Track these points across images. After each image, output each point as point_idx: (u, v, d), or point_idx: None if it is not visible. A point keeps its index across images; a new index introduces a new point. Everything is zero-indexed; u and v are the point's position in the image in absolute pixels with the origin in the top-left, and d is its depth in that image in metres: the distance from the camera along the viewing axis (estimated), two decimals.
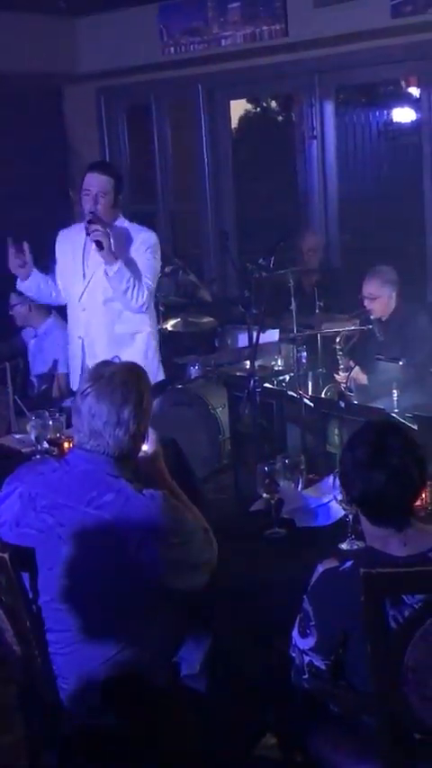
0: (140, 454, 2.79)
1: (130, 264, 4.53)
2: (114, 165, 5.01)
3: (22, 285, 4.82)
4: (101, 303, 4.61)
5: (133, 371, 2.74)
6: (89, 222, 4.46)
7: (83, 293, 4.67)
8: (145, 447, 2.80)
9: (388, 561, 2.40)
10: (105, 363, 2.76)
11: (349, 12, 6.37)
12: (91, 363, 4.55)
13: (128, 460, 2.69)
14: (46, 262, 4.85)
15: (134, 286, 4.48)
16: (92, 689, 2.63)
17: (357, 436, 2.50)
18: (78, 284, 4.70)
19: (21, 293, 5.53)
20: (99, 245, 4.44)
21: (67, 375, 5.51)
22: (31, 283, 4.77)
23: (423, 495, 3.25)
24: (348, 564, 2.44)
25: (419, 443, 2.51)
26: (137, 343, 4.61)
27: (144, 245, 4.59)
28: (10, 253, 4.71)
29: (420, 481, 2.47)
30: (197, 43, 7.14)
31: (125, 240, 4.60)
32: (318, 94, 7.03)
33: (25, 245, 4.69)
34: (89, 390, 2.64)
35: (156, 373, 4.71)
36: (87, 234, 4.47)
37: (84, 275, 4.65)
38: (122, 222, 4.67)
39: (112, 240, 4.49)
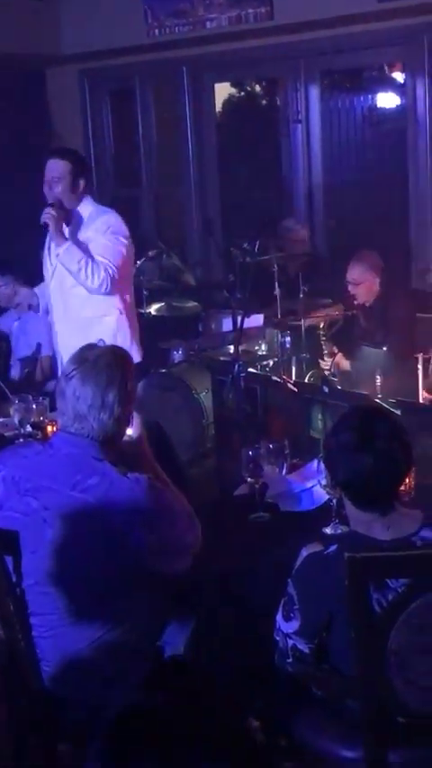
0: (125, 438, 2.78)
1: (87, 245, 4.50)
2: (74, 149, 4.91)
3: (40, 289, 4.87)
4: (67, 288, 4.59)
5: (118, 355, 2.74)
6: (49, 205, 4.47)
7: (51, 280, 4.67)
8: (130, 431, 2.80)
9: (372, 545, 2.41)
10: (90, 347, 2.75)
11: None
12: (62, 348, 4.60)
13: (112, 444, 2.68)
14: (24, 245, 4.84)
15: (87, 266, 4.42)
16: (75, 671, 2.63)
17: (343, 420, 2.50)
18: (48, 272, 4.71)
19: (4, 274, 5.52)
20: (45, 225, 4.45)
21: (51, 358, 5.51)
22: (45, 300, 4.85)
23: (407, 480, 3.26)
24: (332, 548, 2.44)
25: (403, 427, 2.52)
26: (105, 325, 4.56)
27: (104, 225, 4.53)
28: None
29: (406, 466, 2.47)
30: (182, 25, 7.08)
31: (86, 222, 4.57)
32: (303, 79, 7.00)
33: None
34: (73, 373, 2.64)
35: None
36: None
37: (50, 263, 4.64)
38: (88, 205, 4.62)
39: (65, 223, 4.50)
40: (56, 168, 4.51)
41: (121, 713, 1.26)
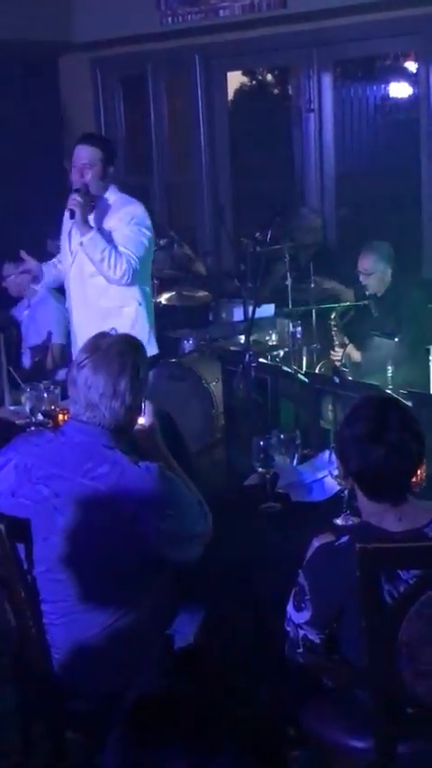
0: (137, 426, 2.78)
1: (111, 235, 4.49)
2: (105, 137, 4.91)
3: (39, 284, 4.92)
4: (87, 277, 4.59)
5: (130, 343, 2.74)
6: (75, 191, 4.46)
7: (71, 267, 4.66)
8: (141, 419, 2.79)
9: (384, 536, 2.40)
10: (102, 335, 2.74)
11: None
12: (79, 336, 4.58)
13: (124, 432, 2.69)
14: (36, 232, 4.85)
15: (110, 256, 4.42)
16: (86, 659, 2.63)
17: (356, 411, 2.49)
18: (67, 258, 4.70)
19: (14, 263, 5.51)
20: (72, 213, 4.44)
21: (62, 346, 5.50)
22: (47, 278, 4.86)
23: (419, 471, 3.25)
24: (344, 539, 2.44)
25: (416, 418, 2.51)
26: (124, 316, 4.56)
27: (128, 215, 4.53)
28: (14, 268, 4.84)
29: (418, 457, 2.47)
30: (195, 13, 7.04)
31: (111, 211, 4.57)
32: (316, 68, 6.97)
33: (22, 253, 4.82)
34: (86, 362, 2.63)
35: (146, 347, 4.68)
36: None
37: (70, 250, 4.62)
38: (113, 193, 4.62)
39: (93, 211, 4.50)
40: (87, 155, 4.51)
41: (139, 699, 1.26)
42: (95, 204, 4.55)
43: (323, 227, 6.86)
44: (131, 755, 1.21)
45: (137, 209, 4.58)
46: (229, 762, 1.19)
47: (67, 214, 4.58)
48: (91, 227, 4.46)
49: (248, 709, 1.27)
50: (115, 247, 4.44)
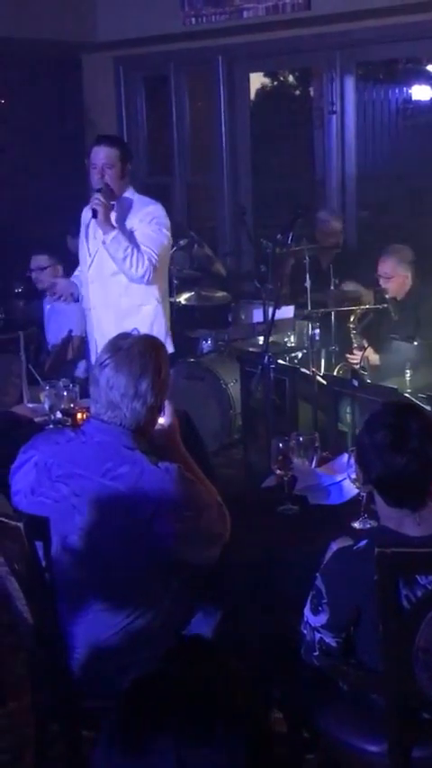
0: (157, 427, 2.78)
1: (132, 234, 4.51)
2: (121, 137, 4.92)
3: (77, 278, 4.95)
4: (108, 276, 4.60)
5: (152, 344, 2.74)
6: (97, 191, 4.48)
7: (90, 266, 4.67)
8: (161, 420, 2.80)
9: (402, 541, 2.40)
10: (124, 335, 2.75)
11: None
12: (99, 335, 4.59)
13: (144, 432, 2.69)
14: (59, 230, 4.87)
15: (132, 254, 4.44)
16: (103, 658, 2.64)
17: (376, 418, 2.49)
18: (86, 260, 4.71)
19: (47, 256, 5.54)
20: (94, 213, 4.45)
21: (82, 338, 5.51)
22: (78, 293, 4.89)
23: None
24: (362, 543, 2.43)
25: None
26: (142, 315, 4.58)
27: (149, 216, 4.55)
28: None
29: None
30: (218, 14, 7.06)
31: (131, 211, 4.58)
32: (338, 70, 6.97)
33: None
34: (107, 362, 2.64)
35: None
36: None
37: (89, 250, 4.64)
38: (132, 194, 4.64)
39: (114, 211, 4.51)
40: (106, 155, 4.52)
41: (134, 683, 1.27)
42: (116, 203, 4.56)
43: (344, 230, 6.86)
44: (119, 739, 1.23)
45: (157, 210, 4.60)
46: (218, 751, 1.20)
47: (87, 214, 4.59)
48: (113, 227, 4.47)
49: (240, 694, 1.27)
50: (137, 246, 4.46)
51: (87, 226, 4.67)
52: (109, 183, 4.51)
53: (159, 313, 4.66)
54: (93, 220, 4.51)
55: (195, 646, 1.40)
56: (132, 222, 4.55)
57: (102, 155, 4.53)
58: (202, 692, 1.26)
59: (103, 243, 4.49)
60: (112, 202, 4.52)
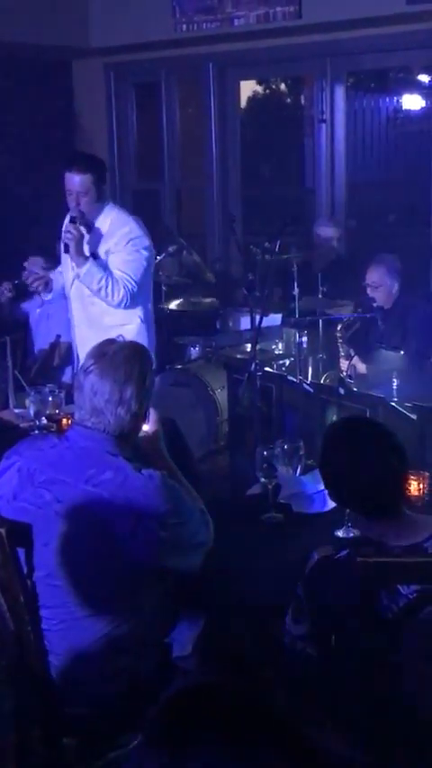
0: (141, 433, 2.78)
1: (108, 256, 4.51)
2: (91, 156, 4.84)
3: (48, 296, 4.92)
4: (87, 297, 4.61)
5: (137, 350, 2.74)
6: (71, 221, 4.46)
7: (72, 285, 4.67)
8: (146, 427, 2.80)
9: (384, 551, 2.40)
10: (109, 342, 2.75)
11: None
12: (82, 352, 4.59)
13: (128, 439, 2.69)
14: (45, 237, 4.87)
15: (107, 284, 4.44)
16: (85, 665, 2.63)
17: (330, 440, 2.52)
18: (68, 274, 4.70)
19: (43, 257, 5.53)
20: (66, 247, 4.44)
21: (69, 343, 5.50)
22: (57, 287, 4.86)
23: (421, 486, 3.26)
24: (344, 552, 2.44)
25: (391, 432, 2.52)
26: (125, 332, 4.57)
27: (125, 238, 4.52)
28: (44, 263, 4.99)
29: (402, 468, 2.47)
30: (210, 22, 7.07)
31: (108, 233, 4.56)
32: (329, 78, 6.99)
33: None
34: (92, 368, 2.64)
35: None
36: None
37: (72, 267, 4.62)
38: (110, 211, 4.60)
39: (89, 235, 4.50)
40: (80, 182, 4.45)
41: (174, 694, 1.25)
42: (92, 226, 4.55)
43: (340, 238, 6.87)
44: (157, 749, 1.20)
45: (133, 230, 4.55)
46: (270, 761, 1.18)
47: (61, 247, 4.58)
48: (86, 259, 4.45)
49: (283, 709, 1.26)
50: (111, 274, 4.45)
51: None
52: (84, 209, 4.48)
53: (143, 331, 4.65)
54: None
55: (238, 659, 1.39)
56: (109, 244, 4.54)
57: (76, 181, 4.45)
58: (246, 707, 1.24)
59: (77, 276, 4.49)
60: (87, 231, 4.49)
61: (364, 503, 2.46)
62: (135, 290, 4.50)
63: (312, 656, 2.45)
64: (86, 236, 4.52)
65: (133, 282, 4.49)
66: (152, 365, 2.79)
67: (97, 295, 4.48)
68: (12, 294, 5.66)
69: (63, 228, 4.65)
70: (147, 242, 4.58)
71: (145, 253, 4.56)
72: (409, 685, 2.31)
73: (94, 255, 4.53)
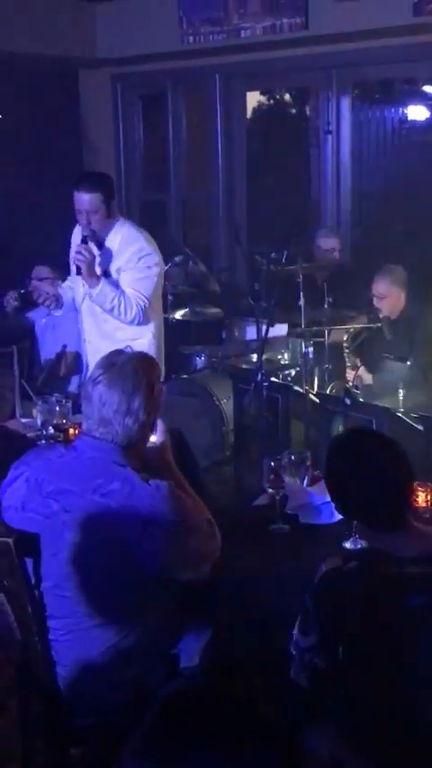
0: (148, 444, 2.78)
1: (119, 273, 4.53)
2: (100, 174, 4.84)
3: (58, 312, 4.95)
4: (99, 313, 4.62)
5: (145, 361, 2.75)
6: (83, 240, 4.48)
7: (83, 301, 4.68)
8: (153, 437, 2.80)
9: (392, 562, 2.40)
10: (118, 352, 2.76)
11: (371, 8, 6.34)
12: (93, 363, 4.60)
13: (136, 450, 2.69)
14: (52, 246, 4.88)
15: (120, 303, 4.47)
16: (91, 675, 2.63)
17: (333, 456, 2.52)
18: (80, 290, 4.71)
19: (47, 267, 5.54)
20: (78, 269, 4.47)
21: (76, 353, 5.51)
22: (66, 303, 4.87)
23: (428, 497, 3.26)
24: (352, 564, 2.43)
25: (396, 443, 2.52)
26: (137, 347, 4.57)
27: (136, 255, 4.54)
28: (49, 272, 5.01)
29: (407, 479, 2.47)
30: (216, 33, 7.10)
31: (119, 250, 4.58)
32: (335, 90, 7.00)
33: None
34: (100, 378, 2.64)
35: None
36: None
37: (83, 285, 4.62)
38: (120, 227, 4.62)
39: (98, 256, 4.52)
40: (89, 201, 4.47)
41: (166, 697, 1.25)
42: (103, 243, 4.57)
43: (342, 249, 6.87)
44: (150, 754, 1.21)
45: (143, 247, 4.57)
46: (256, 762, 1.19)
47: (77, 237, 4.60)
48: (99, 279, 4.47)
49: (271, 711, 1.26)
50: (123, 292, 4.48)
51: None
52: (95, 228, 4.50)
53: (153, 345, 4.68)
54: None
55: (225, 663, 1.40)
56: (120, 262, 4.56)
57: (85, 200, 4.48)
58: (235, 709, 1.25)
59: (90, 296, 4.51)
60: (98, 245, 4.50)
61: (369, 515, 2.45)
62: (148, 306, 4.53)
63: (320, 667, 2.44)
64: (98, 256, 4.55)
65: (145, 299, 4.52)
66: (160, 376, 2.81)
67: (110, 314, 4.52)
68: (17, 303, 5.68)
69: (73, 248, 4.66)
70: (157, 258, 4.60)
71: (156, 269, 4.58)
72: (417, 697, 2.30)
73: (106, 273, 4.55)
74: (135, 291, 4.51)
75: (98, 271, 4.51)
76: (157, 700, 1.26)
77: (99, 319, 4.65)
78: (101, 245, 4.58)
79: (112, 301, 4.47)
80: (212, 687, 1.27)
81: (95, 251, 4.54)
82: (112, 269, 4.56)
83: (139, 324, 4.57)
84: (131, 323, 4.54)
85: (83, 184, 4.50)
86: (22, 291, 5.73)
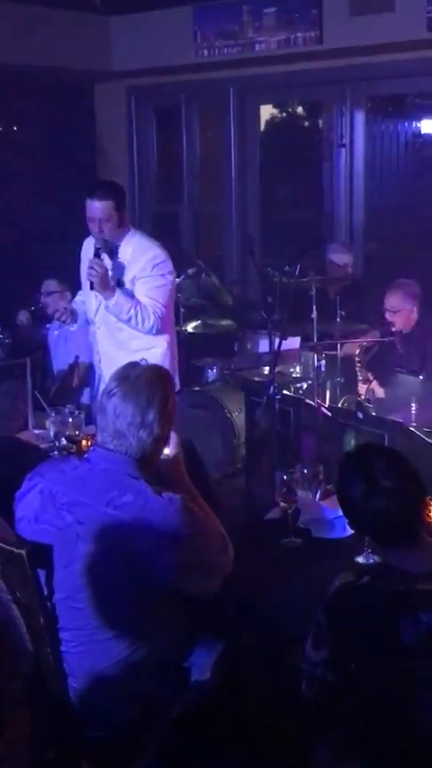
0: (162, 457, 2.79)
1: (136, 285, 4.54)
2: (111, 182, 4.87)
3: (73, 327, 4.95)
4: (113, 323, 4.63)
5: (160, 374, 2.75)
6: (95, 254, 4.49)
7: (96, 313, 4.69)
8: (167, 450, 2.80)
9: (405, 578, 2.39)
10: (133, 365, 2.76)
11: (385, 22, 6.36)
12: (108, 375, 4.59)
13: (149, 462, 2.69)
14: (69, 257, 4.90)
15: (136, 313, 4.49)
16: (103, 688, 2.63)
17: (343, 473, 2.52)
18: (92, 301, 4.71)
19: (55, 280, 5.56)
20: (91, 285, 4.48)
21: (89, 365, 5.52)
22: (80, 317, 4.87)
23: None
24: (365, 579, 2.43)
25: (407, 459, 2.52)
26: (151, 356, 4.59)
27: (150, 264, 4.56)
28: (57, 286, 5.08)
29: (418, 495, 2.47)
30: (231, 46, 7.13)
31: (132, 259, 4.59)
32: (349, 103, 7.03)
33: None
34: (115, 390, 2.65)
35: None
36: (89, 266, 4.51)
37: (96, 295, 4.63)
38: (131, 238, 4.63)
39: (111, 266, 4.54)
40: (101, 209, 4.48)
41: (182, 712, 1.26)
42: (115, 252, 4.58)
43: (354, 263, 6.88)
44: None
45: (157, 255, 4.59)
46: None
47: (88, 248, 4.62)
48: (113, 291, 4.48)
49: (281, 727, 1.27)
50: (139, 302, 4.50)
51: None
52: (107, 236, 4.52)
53: (167, 354, 4.70)
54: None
55: (237, 679, 1.41)
56: (134, 271, 4.57)
57: (97, 208, 4.49)
58: (248, 725, 1.25)
59: (106, 308, 4.53)
60: (110, 254, 4.51)
61: (381, 531, 2.46)
62: (164, 314, 4.55)
63: (331, 682, 2.43)
64: (110, 266, 4.56)
65: (162, 307, 4.54)
66: (175, 389, 2.81)
67: (128, 324, 4.53)
68: (29, 322, 5.71)
69: (84, 262, 4.68)
70: (170, 266, 4.63)
71: (170, 276, 4.61)
72: (430, 714, 2.29)
73: (120, 283, 4.56)
74: (151, 300, 4.52)
75: (111, 282, 4.52)
76: (172, 717, 1.27)
77: (113, 329, 4.66)
78: (113, 255, 4.59)
79: (128, 312, 4.48)
80: (225, 704, 1.28)
81: (108, 262, 4.55)
82: (126, 279, 4.57)
83: (156, 332, 4.58)
84: (149, 332, 4.55)
85: (95, 192, 4.52)
86: (33, 309, 5.76)
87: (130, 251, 4.59)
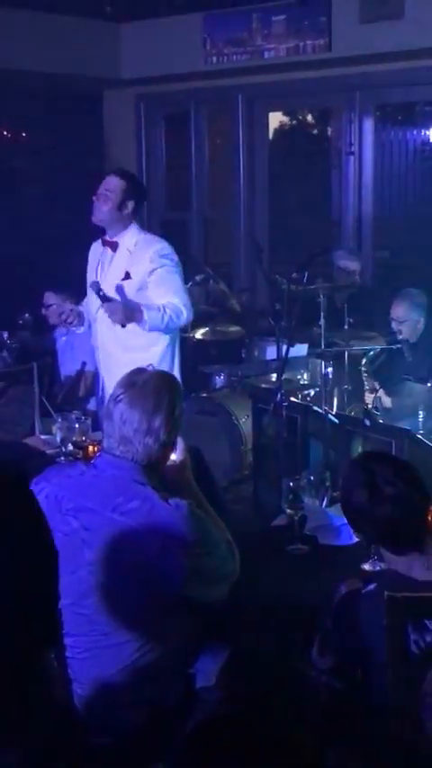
0: (169, 463, 2.79)
1: (149, 287, 4.56)
2: (137, 175, 4.95)
3: (80, 329, 4.97)
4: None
5: (167, 380, 2.75)
6: (98, 295, 4.50)
7: (97, 312, 4.69)
8: (173, 456, 2.80)
9: (411, 585, 2.39)
10: (139, 371, 2.76)
11: (394, 30, 6.37)
12: (106, 374, 4.66)
13: (156, 468, 2.69)
14: (77, 265, 4.92)
15: (170, 318, 4.51)
16: (109, 694, 2.63)
17: (348, 481, 2.52)
18: (93, 303, 4.71)
19: (56, 293, 5.58)
20: (123, 325, 4.50)
21: (94, 373, 5.52)
22: (87, 321, 4.89)
23: None
24: (372, 586, 2.43)
25: (412, 466, 2.52)
26: (151, 354, 4.59)
27: (158, 255, 4.58)
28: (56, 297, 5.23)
29: (423, 502, 2.47)
30: (240, 54, 7.15)
31: (136, 251, 4.61)
32: (358, 111, 7.03)
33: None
34: (121, 397, 2.65)
35: None
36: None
37: (98, 296, 4.63)
38: (137, 233, 4.66)
39: (116, 255, 4.60)
40: (110, 183, 4.58)
41: (199, 725, 1.26)
42: (121, 246, 4.61)
43: (361, 271, 6.87)
44: None
45: (164, 247, 4.63)
46: None
47: (95, 252, 4.70)
48: (141, 313, 4.46)
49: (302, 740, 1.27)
50: (164, 305, 4.50)
51: (97, 266, 4.70)
52: (103, 216, 4.57)
53: (168, 353, 4.69)
54: (106, 266, 4.60)
55: (251, 691, 1.41)
56: (144, 263, 4.58)
57: (106, 182, 4.59)
58: (265, 737, 1.25)
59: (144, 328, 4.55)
60: (101, 297, 4.51)
61: (386, 538, 2.46)
62: (190, 303, 4.62)
63: (337, 688, 2.43)
64: (110, 261, 4.61)
65: (186, 298, 4.60)
66: (182, 395, 2.80)
67: (166, 330, 4.56)
68: (34, 323, 5.72)
69: (91, 264, 4.71)
70: (176, 257, 4.67)
71: (178, 268, 4.65)
72: None
73: (127, 275, 4.57)
74: (174, 297, 4.55)
75: (119, 275, 4.55)
76: (186, 730, 1.27)
77: (114, 327, 4.66)
78: (115, 248, 4.63)
79: (162, 321, 4.50)
80: (240, 716, 1.27)
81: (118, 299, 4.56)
82: (132, 270, 4.58)
83: (189, 320, 4.68)
84: (187, 321, 4.66)
85: (115, 170, 4.69)
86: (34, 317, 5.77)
87: (134, 242, 4.62)
